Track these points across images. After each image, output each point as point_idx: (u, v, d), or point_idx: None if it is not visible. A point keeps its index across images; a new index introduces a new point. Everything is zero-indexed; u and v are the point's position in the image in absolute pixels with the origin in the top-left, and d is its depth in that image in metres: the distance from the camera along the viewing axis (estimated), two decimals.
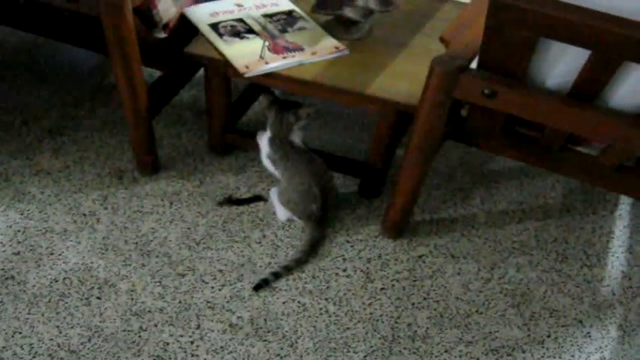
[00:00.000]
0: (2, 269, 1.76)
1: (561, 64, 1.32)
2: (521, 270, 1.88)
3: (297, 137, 1.87)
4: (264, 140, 1.91)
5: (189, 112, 2.31)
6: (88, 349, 1.61)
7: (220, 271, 1.80)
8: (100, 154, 2.12)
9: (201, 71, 1.96)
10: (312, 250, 1.86)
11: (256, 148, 2.00)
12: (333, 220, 1.95)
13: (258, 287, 1.77)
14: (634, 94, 1.30)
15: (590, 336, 1.74)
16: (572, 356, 1.69)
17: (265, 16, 1.93)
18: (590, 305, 1.81)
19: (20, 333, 1.63)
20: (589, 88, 1.31)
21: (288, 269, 1.81)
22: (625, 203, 2.13)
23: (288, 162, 1.85)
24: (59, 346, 1.61)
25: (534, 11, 1.20)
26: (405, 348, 1.67)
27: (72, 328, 1.65)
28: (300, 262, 1.83)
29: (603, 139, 1.43)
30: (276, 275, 1.79)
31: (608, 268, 1.92)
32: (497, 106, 1.41)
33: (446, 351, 1.68)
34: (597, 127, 1.35)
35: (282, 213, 1.92)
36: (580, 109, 1.33)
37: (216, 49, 1.79)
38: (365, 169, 1.98)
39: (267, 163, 1.93)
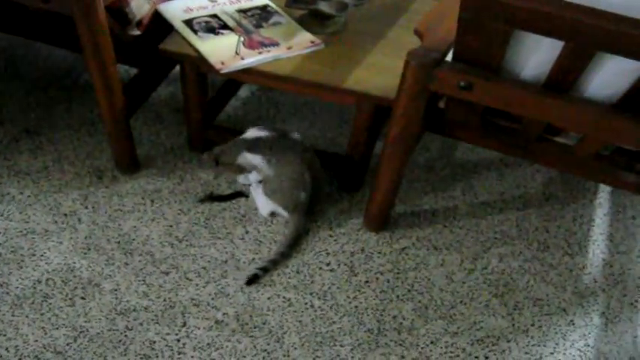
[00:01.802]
0: None
1: (536, 55, 1.32)
2: (504, 260, 1.89)
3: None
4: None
5: (167, 110, 2.30)
6: (74, 349, 1.61)
7: (204, 268, 1.80)
8: (79, 153, 2.10)
9: (178, 68, 1.95)
10: (296, 242, 1.86)
11: None
12: (315, 214, 1.96)
13: (250, 282, 1.77)
14: (608, 84, 1.30)
15: (573, 324, 1.75)
16: (557, 344, 1.70)
17: (239, 11, 1.92)
18: (573, 293, 1.82)
19: (5, 335, 1.62)
20: (564, 78, 1.31)
21: (274, 263, 1.81)
22: (604, 191, 2.14)
23: (280, 152, 1.84)
24: (45, 348, 1.60)
25: (507, 3, 1.19)
26: (390, 340, 1.68)
27: (57, 328, 1.64)
28: (285, 256, 1.83)
29: (579, 128, 1.43)
30: (265, 270, 1.79)
31: (589, 256, 1.93)
32: (473, 98, 1.41)
33: (432, 342, 1.68)
34: (572, 117, 1.36)
35: (265, 207, 1.91)
36: (555, 99, 1.33)
37: (191, 45, 1.79)
38: (345, 163, 1.98)
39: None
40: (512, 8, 1.20)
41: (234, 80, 2.16)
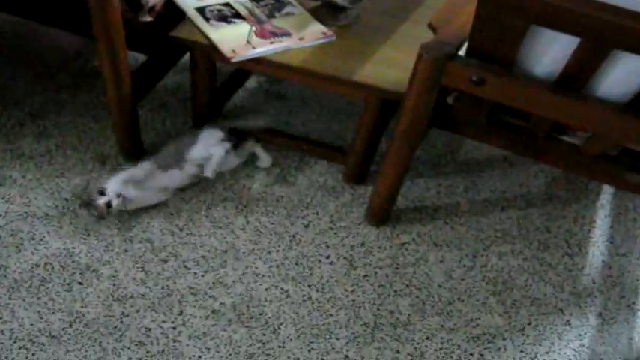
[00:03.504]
0: None
1: (550, 51, 1.34)
2: (503, 258, 1.90)
3: None
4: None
5: (173, 98, 2.29)
6: (70, 334, 1.60)
7: (203, 257, 1.80)
8: (83, 139, 2.10)
9: (186, 57, 1.96)
10: None
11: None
12: (316, 207, 1.96)
13: None
14: (621, 83, 1.31)
15: (569, 324, 1.77)
16: (552, 343, 1.71)
17: (252, 0, 1.92)
18: (571, 293, 1.84)
19: (1, 318, 1.62)
20: (577, 76, 1.33)
21: None
22: (607, 193, 2.15)
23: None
24: (40, 332, 1.60)
25: None
26: (386, 334, 1.68)
27: (53, 313, 1.64)
28: None
29: (589, 127, 1.44)
30: None
31: (589, 257, 1.94)
32: (485, 93, 1.42)
33: (427, 338, 1.69)
34: (584, 116, 1.37)
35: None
36: (567, 97, 1.35)
37: (202, 33, 1.79)
38: (350, 156, 1.98)
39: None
40: (531, 3, 1.21)
41: (242, 70, 2.17)
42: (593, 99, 1.36)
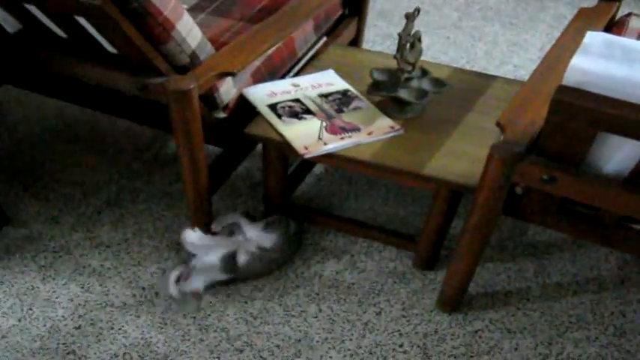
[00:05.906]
0: (64, 344, 1.79)
1: (620, 152, 1.34)
2: (579, 345, 1.85)
3: None
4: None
5: (243, 184, 2.34)
6: None
7: (277, 346, 1.81)
8: (158, 226, 2.16)
9: (258, 147, 2.00)
10: None
11: (312, 222, 2.07)
12: (387, 294, 1.96)
13: None
14: None
15: None
16: None
17: (321, 95, 1.96)
18: None
19: None
20: None
21: None
22: None
23: None
24: None
25: (596, 110, 1.24)
26: None
27: None
28: None
29: None
30: None
31: None
32: (556, 191, 1.43)
33: None
34: None
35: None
36: (638, 194, 1.35)
37: (275, 129, 1.84)
38: (419, 243, 1.99)
39: None
40: (600, 114, 1.24)
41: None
42: None
